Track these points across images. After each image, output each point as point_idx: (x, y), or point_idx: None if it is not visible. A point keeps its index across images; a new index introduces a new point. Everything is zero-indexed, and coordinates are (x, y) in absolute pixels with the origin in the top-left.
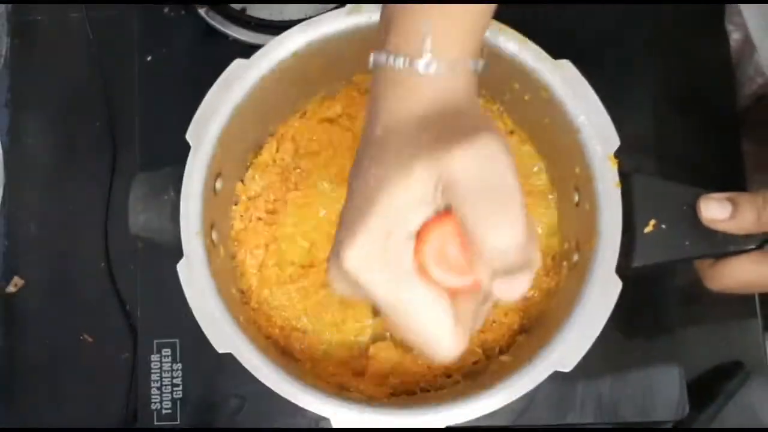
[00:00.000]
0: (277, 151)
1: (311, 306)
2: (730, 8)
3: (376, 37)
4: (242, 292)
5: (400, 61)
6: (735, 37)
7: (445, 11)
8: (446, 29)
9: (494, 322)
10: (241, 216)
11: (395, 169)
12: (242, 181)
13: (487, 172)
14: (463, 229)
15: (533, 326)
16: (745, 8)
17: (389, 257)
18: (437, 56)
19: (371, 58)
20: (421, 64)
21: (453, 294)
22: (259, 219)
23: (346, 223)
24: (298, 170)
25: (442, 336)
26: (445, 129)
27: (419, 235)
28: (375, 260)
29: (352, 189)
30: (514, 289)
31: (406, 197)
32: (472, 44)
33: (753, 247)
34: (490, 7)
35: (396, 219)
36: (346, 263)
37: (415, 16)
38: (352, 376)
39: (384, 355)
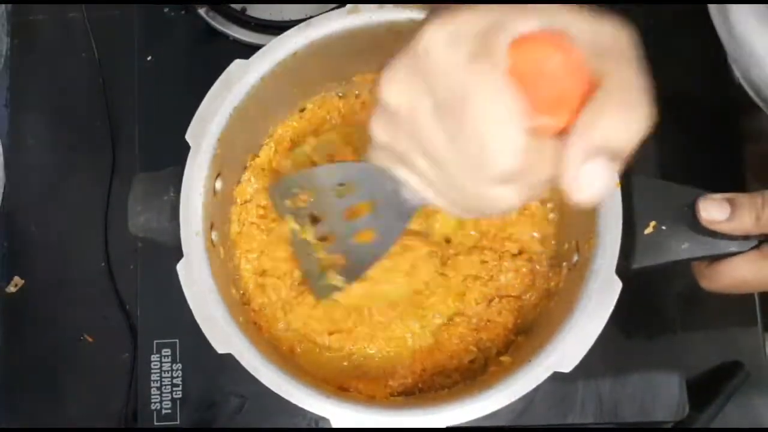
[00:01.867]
0: (276, 153)
1: (309, 310)
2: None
3: None
4: (242, 293)
5: None
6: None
7: None
8: None
9: (489, 321)
10: (238, 219)
11: None
12: (239, 182)
13: (624, 45)
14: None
15: (533, 327)
16: (714, 14)
17: (484, 41)
18: None
19: None
20: None
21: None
22: (253, 223)
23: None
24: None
25: (506, 147)
26: None
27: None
28: (465, 36)
29: None
30: (593, 185)
31: (516, 7)
32: None
33: (752, 247)
34: None
35: (499, 23)
36: (425, 34)
37: None
38: (352, 377)
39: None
